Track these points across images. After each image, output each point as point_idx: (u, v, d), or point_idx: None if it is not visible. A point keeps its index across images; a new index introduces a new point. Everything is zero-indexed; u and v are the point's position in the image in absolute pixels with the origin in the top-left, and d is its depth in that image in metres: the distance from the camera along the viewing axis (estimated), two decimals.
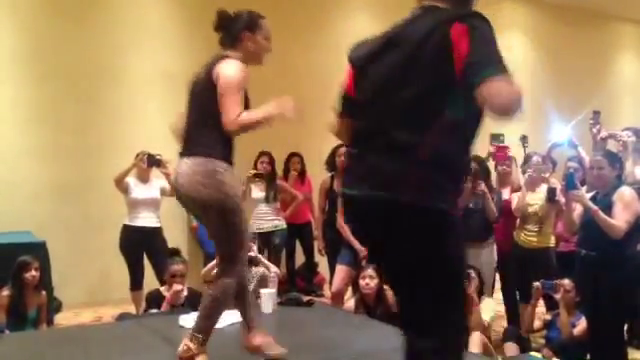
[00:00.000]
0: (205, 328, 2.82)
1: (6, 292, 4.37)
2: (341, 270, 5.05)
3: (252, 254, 4.76)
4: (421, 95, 1.82)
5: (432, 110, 1.81)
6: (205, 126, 2.80)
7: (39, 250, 4.99)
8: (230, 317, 3.39)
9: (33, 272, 4.42)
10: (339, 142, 5.36)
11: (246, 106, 2.82)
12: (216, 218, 2.79)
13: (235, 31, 2.91)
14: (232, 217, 2.78)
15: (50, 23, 6.51)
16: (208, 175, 2.74)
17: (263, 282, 4.69)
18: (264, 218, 6.20)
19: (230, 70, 2.77)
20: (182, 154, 2.87)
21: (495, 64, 1.72)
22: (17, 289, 4.39)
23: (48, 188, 6.43)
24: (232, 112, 2.70)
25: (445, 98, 1.80)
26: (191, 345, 2.78)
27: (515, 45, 9.80)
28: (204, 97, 2.81)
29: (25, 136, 6.41)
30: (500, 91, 1.68)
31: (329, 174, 5.77)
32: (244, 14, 2.95)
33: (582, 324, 4.26)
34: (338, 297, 5.05)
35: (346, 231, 4.90)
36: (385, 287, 4.24)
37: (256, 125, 2.73)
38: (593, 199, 3.97)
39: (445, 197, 1.83)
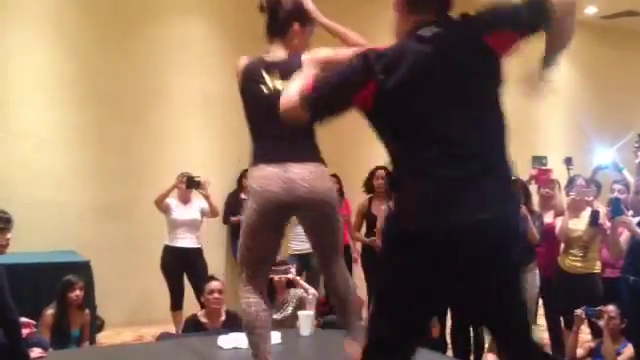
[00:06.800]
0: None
1: (50, 311, 4.45)
2: None
3: (290, 276, 4.77)
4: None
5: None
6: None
7: (83, 269, 5.07)
8: (234, 341, 3.44)
9: (77, 292, 4.50)
10: (377, 164, 5.37)
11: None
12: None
13: (283, 19, 2.54)
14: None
15: (95, 46, 6.68)
16: None
17: (301, 304, 4.68)
18: (302, 240, 6.20)
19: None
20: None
21: None
22: (61, 308, 4.46)
23: (92, 208, 6.56)
24: None
25: None
26: None
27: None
28: None
29: (70, 157, 6.57)
30: None
31: (367, 197, 5.75)
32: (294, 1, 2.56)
33: (628, 352, 4.13)
34: None
35: None
36: None
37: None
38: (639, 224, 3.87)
39: None
